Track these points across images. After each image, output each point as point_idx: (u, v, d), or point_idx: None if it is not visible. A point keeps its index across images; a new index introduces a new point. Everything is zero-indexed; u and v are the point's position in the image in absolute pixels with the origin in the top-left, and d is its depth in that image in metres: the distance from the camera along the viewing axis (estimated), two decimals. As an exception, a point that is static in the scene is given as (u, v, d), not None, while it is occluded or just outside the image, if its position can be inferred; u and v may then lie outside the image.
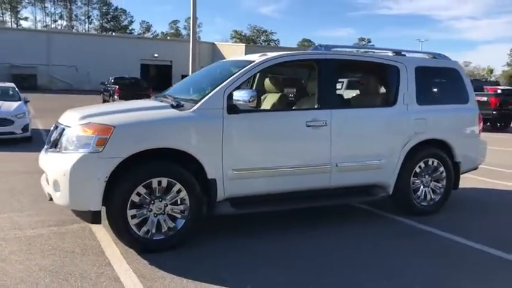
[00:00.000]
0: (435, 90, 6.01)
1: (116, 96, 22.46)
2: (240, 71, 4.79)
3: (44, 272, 3.86)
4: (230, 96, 4.55)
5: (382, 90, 5.95)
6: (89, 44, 48.04)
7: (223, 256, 4.29)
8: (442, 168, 5.74)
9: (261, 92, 6.39)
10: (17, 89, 13.31)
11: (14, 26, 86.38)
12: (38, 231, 4.90)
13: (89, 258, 4.19)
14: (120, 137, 4.13)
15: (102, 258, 4.19)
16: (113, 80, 24.44)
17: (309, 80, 6.16)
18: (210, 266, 4.05)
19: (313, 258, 4.31)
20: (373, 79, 6.02)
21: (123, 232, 4.20)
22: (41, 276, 3.76)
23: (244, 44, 58.56)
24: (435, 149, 5.73)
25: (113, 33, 74.51)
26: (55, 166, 4.21)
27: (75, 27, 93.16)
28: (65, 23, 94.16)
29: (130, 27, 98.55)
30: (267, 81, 6.17)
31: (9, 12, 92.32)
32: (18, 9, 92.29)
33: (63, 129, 4.45)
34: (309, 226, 5.26)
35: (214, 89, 4.66)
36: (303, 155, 4.92)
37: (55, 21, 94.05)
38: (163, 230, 4.34)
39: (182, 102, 4.66)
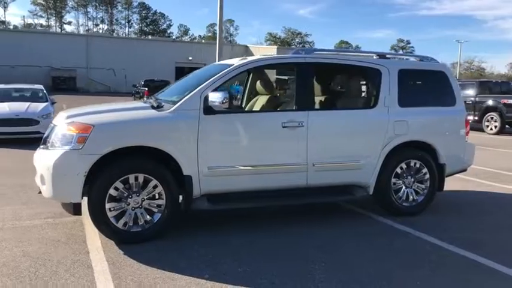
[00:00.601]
0: (419, 92, 6.08)
1: (145, 98, 23.10)
2: (218, 75, 5.05)
3: (26, 257, 4.23)
4: (206, 98, 4.82)
5: (363, 92, 6.08)
6: (126, 47, 49.48)
7: (191, 249, 4.54)
8: (425, 170, 5.82)
9: (253, 93, 6.68)
10: (45, 91, 14.05)
11: (58, 30, 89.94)
12: (34, 222, 5.31)
13: (71, 247, 4.54)
14: (98, 135, 4.47)
15: (83, 247, 4.54)
16: (143, 83, 25.21)
17: (290, 83, 6.35)
18: (177, 257, 4.32)
19: (276, 252, 4.51)
20: (353, 82, 6.16)
21: (101, 223, 4.53)
22: (22, 261, 4.14)
23: (276, 47, 58.98)
24: (417, 151, 5.81)
25: (150, 37, 76.28)
26: (42, 161, 4.59)
27: (115, 31, 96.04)
28: (106, 27, 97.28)
29: (168, 31, 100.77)
30: (258, 83, 6.41)
31: (54, 17, 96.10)
32: (63, 14, 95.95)
33: (53, 128, 4.83)
34: (283, 224, 5.45)
35: (192, 91, 4.94)
36: (278, 155, 5.13)
37: (97, 25, 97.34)
38: (140, 223, 4.65)
39: (163, 103, 4.97)
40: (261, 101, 6.35)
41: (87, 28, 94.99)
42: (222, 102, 4.70)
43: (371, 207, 6.04)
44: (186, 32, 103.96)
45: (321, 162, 5.30)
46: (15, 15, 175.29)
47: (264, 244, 4.73)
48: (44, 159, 4.58)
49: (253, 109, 6.32)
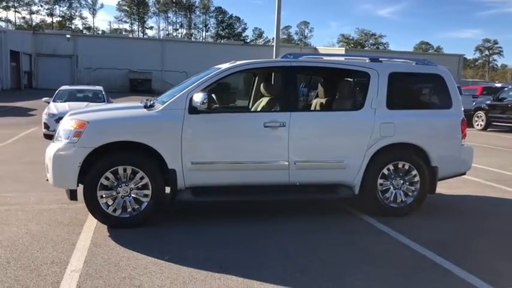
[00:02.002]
0: (411, 95, 6.14)
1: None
2: (205, 77, 5.52)
3: (27, 234, 4.94)
4: (192, 99, 5.29)
5: (350, 95, 6.24)
6: (198, 51, 51.38)
7: (168, 235, 5.04)
8: (414, 172, 5.88)
9: (259, 95, 7.07)
10: (103, 92, 15.26)
11: (141, 35, 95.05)
12: (51, 206, 6.08)
13: (69, 228, 5.20)
14: (92, 131, 5.09)
15: (78, 229, 5.19)
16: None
17: (275, 86, 6.66)
18: (152, 241, 4.84)
19: (247, 243, 4.87)
20: (340, 85, 6.33)
21: (94, 209, 5.15)
22: (22, 237, 4.85)
23: (344, 48, 58.29)
24: (406, 153, 5.89)
25: (222, 41, 78.38)
26: (47, 152, 5.30)
27: (193, 35, 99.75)
28: (184, 32, 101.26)
29: (243, 34, 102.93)
30: (261, 86, 6.80)
31: (137, 23, 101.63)
32: (145, 19, 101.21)
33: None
34: (265, 219, 5.78)
35: (181, 92, 5.44)
36: (259, 152, 5.49)
37: (176, 29, 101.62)
38: (128, 210, 5.21)
39: (155, 103, 5.52)
40: (263, 102, 6.73)
41: (167, 32, 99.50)
42: (201, 103, 5.15)
43: (362, 206, 6.19)
44: (260, 35, 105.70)
45: (303, 161, 5.58)
46: (103, 21, 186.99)
47: (240, 235, 5.10)
48: (49, 150, 5.27)
49: (258, 109, 6.72)
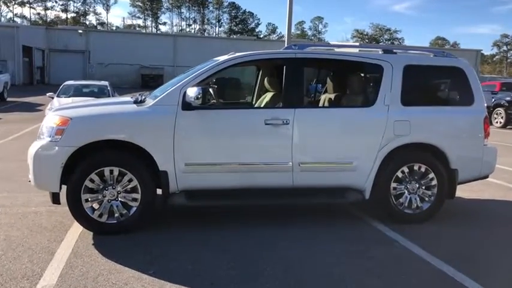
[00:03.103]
0: (428, 90, 5.58)
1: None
2: (200, 70, 5.03)
3: (5, 242, 4.52)
4: (186, 94, 4.81)
5: (360, 90, 5.68)
6: (210, 46, 50.83)
7: (155, 245, 4.56)
8: (431, 175, 5.34)
9: (263, 90, 6.57)
10: (109, 87, 14.84)
11: (154, 30, 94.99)
12: (37, 209, 5.66)
13: (51, 234, 4.77)
14: (75, 128, 4.64)
15: (61, 235, 4.75)
16: (214, 80, 25.85)
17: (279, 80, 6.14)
18: (136, 251, 4.37)
19: (243, 254, 4.38)
20: (350, 79, 5.78)
21: (78, 214, 4.70)
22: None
23: (358, 44, 57.31)
24: (422, 154, 5.35)
25: (234, 36, 77.83)
26: (29, 151, 4.86)
27: (206, 31, 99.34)
28: (198, 27, 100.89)
29: (257, 30, 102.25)
30: (265, 80, 6.31)
31: (151, 18, 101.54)
32: (158, 15, 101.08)
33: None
34: (264, 226, 5.29)
35: (174, 86, 4.96)
36: (260, 153, 4.99)
37: (189, 25, 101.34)
38: (115, 215, 4.75)
39: (147, 98, 5.05)
40: (267, 97, 6.24)
41: (180, 28, 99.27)
42: (195, 98, 4.67)
43: (373, 211, 5.66)
44: (273, 30, 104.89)
45: (308, 162, 5.07)
46: (117, 17, 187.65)
47: (235, 245, 4.62)
48: (31, 149, 4.84)
49: (262, 105, 6.23)
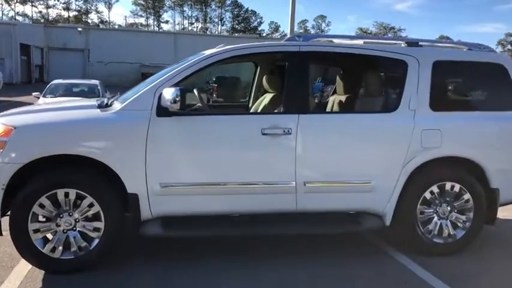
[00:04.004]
0: (463, 91, 4.57)
1: (214, 95, 22.73)
2: (180, 67, 4.04)
3: None
4: (161, 96, 3.82)
5: (378, 91, 4.65)
6: (211, 44, 49.24)
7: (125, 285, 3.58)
8: (467, 196, 4.33)
9: (261, 91, 5.58)
10: (99, 87, 13.83)
11: (156, 28, 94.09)
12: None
13: (-8, 272, 3.78)
14: (19, 140, 3.65)
15: (4, 274, 3.78)
16: (214, 79, 24.85)
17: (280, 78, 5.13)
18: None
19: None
20: (367, 78, 4.75)
21: (24, 248, 3.73)
22: None
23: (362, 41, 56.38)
24: (456, 170, 4.34)
25: (236, 35, 76.74)
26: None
27: (209, 29, 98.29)
28: (200, 25, 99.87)
29: (259, 28, 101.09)
30: (264, 79, 5.31)
31: (153, 16, 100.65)
32: (160, 13, 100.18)
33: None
34: (261, 258, 4.29)
35: (147, 87, 3.97)
36: (256, 170, 3.99)
37: (191, 23, 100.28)
38: (72, 249, 3.77)
39: (113, 102, 4.06)
40: (265, 100, 5.24)
41: (182, 27, 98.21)
42: (172, 102, 3.67)
43: (395, 241, 4.65)
44: (276, 29, 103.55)
45: (315, 182, 4.07)
46: (119, 15, 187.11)
47: (226, 284, 3.63)
48: (-32, 166, 3.85)
49: (259, 109, 5.23)
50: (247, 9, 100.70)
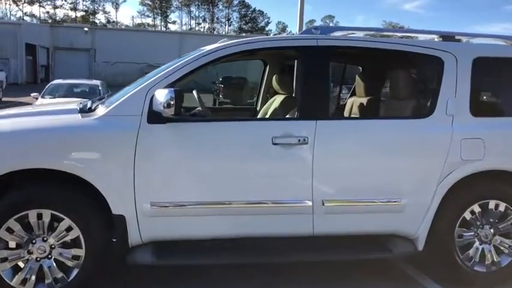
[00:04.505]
0: (510, 93, 3.90)
1: (220, 95, 22.16)
2: (177, 64, 3.42)
3: None
4: (153, 99, 3.21)
5: (409, 93, 3.97)
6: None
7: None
8: (514, 217, 3.68)
9: (270, 92, 4.96)
10: (100, 87, 13.27)
11: (163, 29, 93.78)
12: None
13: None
14: (-19, 152, 3.05)
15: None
16: (221, 79, 24.29)
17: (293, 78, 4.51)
18: None
19: None
20: (395, 77, 4.07)
21: (-12, 279, 3.11)
22: None
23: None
24: (501, 186, 3.69)
25: (244, 34, 76.23)
26: None
27: (216, 30, 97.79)
28: (207, 26, 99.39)
29: (266, 28, 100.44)
30: (273, 79, 4.69)
31: (160, 17, 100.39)
32: (168, 14, 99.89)
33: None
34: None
35: (136, 88, 3.36)
36: (265, 187, 3.37)
37: (198, 24, 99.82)
38: (47, 281, 3.17)
39: (98, 106, 3.45)
40: (275, 103, 4.61)
41: (190, 27, 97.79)
42: (164, 106, 3.05)
43: (429, 268, 4.00)
44: (284, 29, 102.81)
45: (335, 201, 3.44)
46: (127, 16, 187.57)
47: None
48: None
49: (268, 113, 4.62)
50: (254, 9, 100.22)
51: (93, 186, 3.14)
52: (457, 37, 3.91)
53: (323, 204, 3.40)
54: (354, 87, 4.89)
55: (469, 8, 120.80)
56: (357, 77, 4.68)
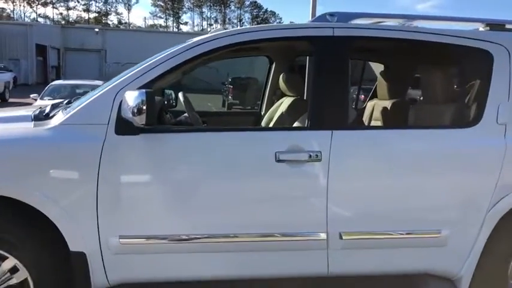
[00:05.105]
0: None
1: (230, 96, 21.49)
2: (154, 60, 2.70)
3: None
4: (124, 102, 2.49)
5: (450, 96, 3.18)
6: (229, 45, 48.97)
7: None
8: None
9: (277, 94, 4.25)
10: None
11: (175, 30, 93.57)
12: None
13: None
14: None
15: None
16: (230, 80, 23.63)
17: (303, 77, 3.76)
18: None
19: None
20: (431, 76, 3.27)
21: None
22: None
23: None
24: None
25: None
26: None
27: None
28: (219, 27, 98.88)
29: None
30: (281, 79, 3.96)
31: (172, 18, 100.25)
32: (180, 15, 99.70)
33: None
34: None
35: (103, 89, 2.65)
36: (266, 216, 2.64)
37: (210, 25, 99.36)
38: (-14, 336, 2.47)
39: (57, 112, 2.75)
40: (284, 106, 3.88)
41: (201, 28, 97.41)
42: (135, 112, 2.33)
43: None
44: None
45: (357, 233, 2.70)
46: (139, 17, 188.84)
47: None
48: None
49: (273, 120, 3.90)
50: (266, 9, 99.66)
51: (43, 216, 2.43)
52: (507, 26, 3.13)
53: (340, 237, 2.66)
54: (375, 88, 4.14)
55: (481, 8, 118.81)
56: (379, 75, 3.92)
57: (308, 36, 2.83)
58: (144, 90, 2.35)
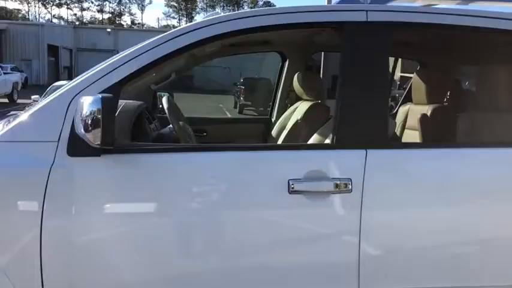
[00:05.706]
0: None
1: (241, 97, 20.78)
2: (124, 55, 1.98)
3: None
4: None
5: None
6: (243, 45, 48.42)
7: None
8: None
9: (291, 97, 3.54)
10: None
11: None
12: None
13: None
14: None
15: None
16: (242, 80, 22.95)
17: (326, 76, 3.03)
18: None
19: None
20: (490, 73, 2.49)
21: None
22: None
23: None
24: None
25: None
26: None
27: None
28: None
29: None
30: (295, 79, 3.24)
31: (185, 18, 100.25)
32: (193, 15, 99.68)
33: None
34: None
35: (54, 95, 1.97)
36: (275, 273, 1.91)
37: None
38: None
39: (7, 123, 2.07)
40: (298, 113, 3.16)
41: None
42: (88, 127, 1.63)
43: None
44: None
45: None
46: (153, 18, 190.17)
47: None
48: None
49: (285, 131, 3.19)
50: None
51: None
52: None
53: (378, 295, 1.94)
54: (409, 90, 3.40)
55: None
56: (414, 75, 3.17)
57: (333, 22, 2.08)
58: (100, 95, 1.65)
